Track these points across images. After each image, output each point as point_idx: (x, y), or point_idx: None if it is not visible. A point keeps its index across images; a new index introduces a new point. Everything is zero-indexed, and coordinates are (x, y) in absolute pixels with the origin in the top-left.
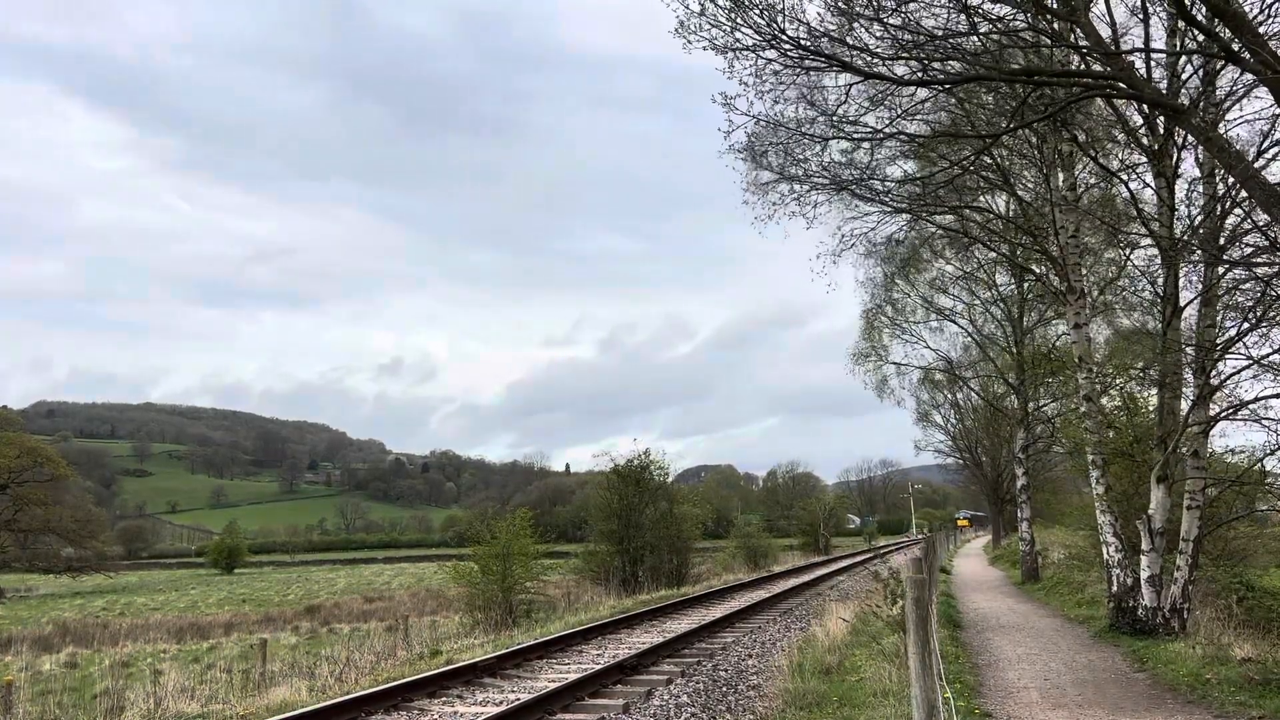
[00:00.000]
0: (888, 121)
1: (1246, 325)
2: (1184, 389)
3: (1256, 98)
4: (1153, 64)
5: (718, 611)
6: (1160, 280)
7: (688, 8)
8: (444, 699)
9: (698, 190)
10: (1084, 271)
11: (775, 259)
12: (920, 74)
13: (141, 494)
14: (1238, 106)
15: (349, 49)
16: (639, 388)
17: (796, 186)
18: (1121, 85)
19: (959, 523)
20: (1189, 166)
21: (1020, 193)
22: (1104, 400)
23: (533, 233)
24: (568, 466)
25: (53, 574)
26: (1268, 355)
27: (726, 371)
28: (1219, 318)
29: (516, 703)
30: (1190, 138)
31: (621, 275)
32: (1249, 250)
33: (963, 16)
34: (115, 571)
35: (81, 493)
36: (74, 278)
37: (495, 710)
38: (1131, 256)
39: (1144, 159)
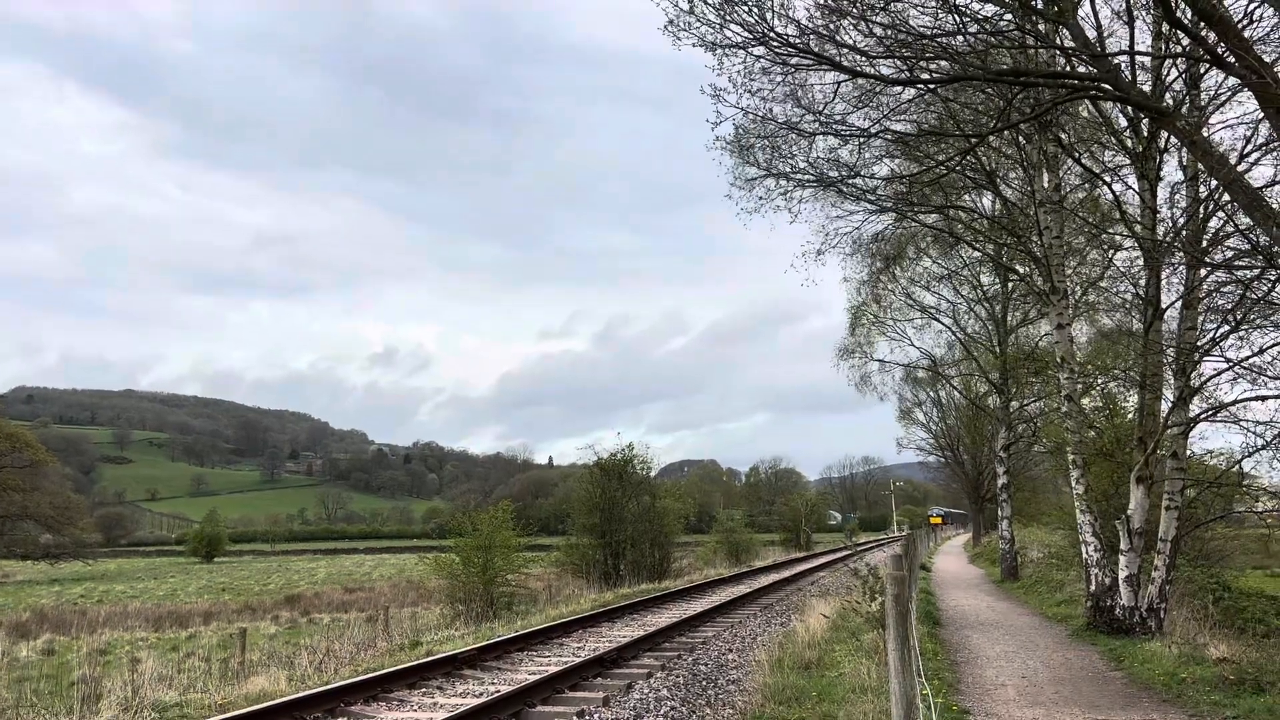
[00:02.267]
0: (874, 120)
1: (1226, 328)
2: (1164, 390)
3: (1239, 102)
4: (1137, 68)
5: (698, 606)
6: (1142, 282)
7: (677, 5)
8: (424, 690)
9: (697, 186)
10: (1067, 272)
11: (772, 255)
12: (907, 73)
13: (121, 481)
14: (1220, 111)
15: (351, 38)
16: (630, 382)
17: (783, 182)
18: (1107, 87)
19: (932, 520)
20: (1171, 169)
21: (1005, 193)
22: (1085, 401)
23: (532, 226)
24: (551, 459)
25: (30, 560)
26: (1247, 358)
27: (718, 367)
28: (1200, 320)
29: (496, 694)
30: (1174, 140)
31: (620, 270)
32: (1230, 253)
33: (950, 16)
34: (93, 559)
35: (60, 479)
36: (67, 263)
37: (475, 701)
38: (1114, 258)
39: (1128, 161)
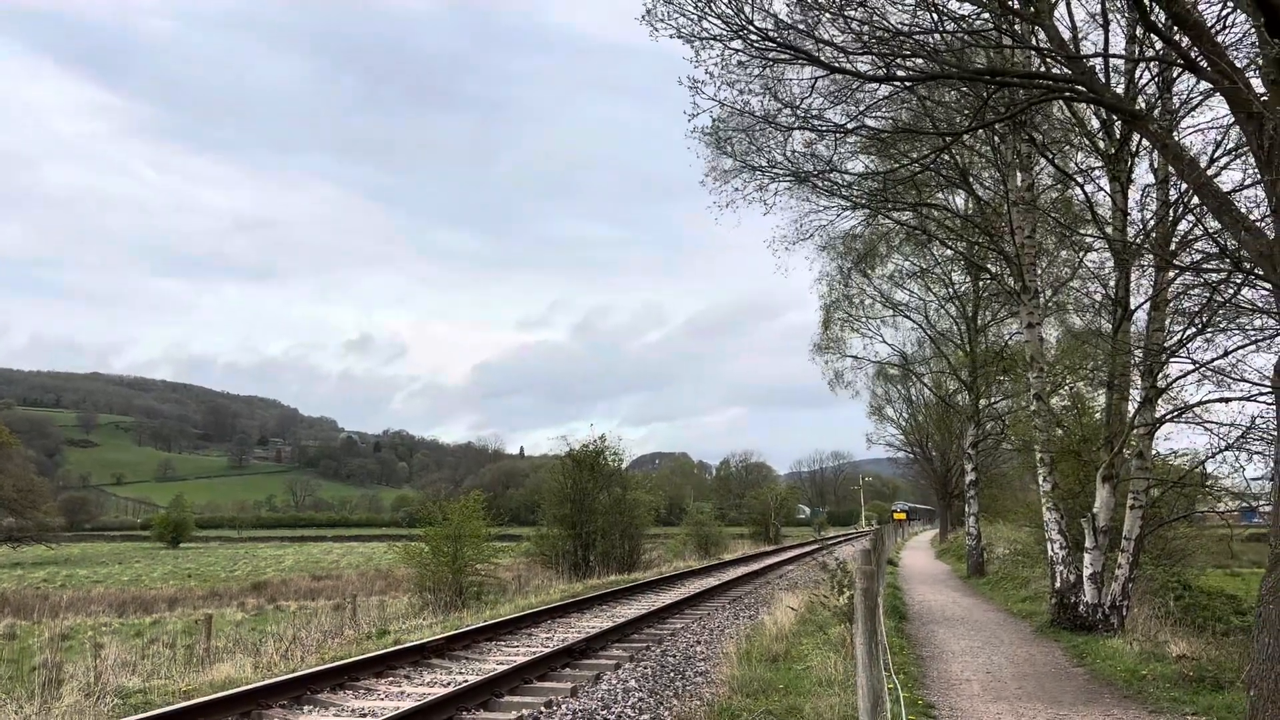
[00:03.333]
0: (851, 116)
1: (1193, 330)
2: (1131, 391)
3: (1209, 107)
4: (1111, 70)
5: (668, 597)
6: (1112, 283)
7: None
8: (391, 679)
9: (679, 179)
10: (1038, 272)
11: (751, 250)
12: (884, 70)
13: (86, 465)
14: (1192, 115)
15: (333, 21)
16: (607, 373)
17: (759, 176)
18: (1082, 88)
19: (895, 515)
20: (1143, 172)
21: (979, 192)
22: (1053, 400)
23: (511, 215)
24: (522, 450)
25: None
26: (1212, 360)
27: (695, 360)
28: (1167, 322)
29: (464, 684)
30: (1145, 143)
31: (600, 261)
32: (1199, 256)
33: (927, 13)
34: (57, 543)
35: (24, 461)
36: (38, 243)
37: (443, 691)
38: (1085, 259)
39: (1100, 163)
